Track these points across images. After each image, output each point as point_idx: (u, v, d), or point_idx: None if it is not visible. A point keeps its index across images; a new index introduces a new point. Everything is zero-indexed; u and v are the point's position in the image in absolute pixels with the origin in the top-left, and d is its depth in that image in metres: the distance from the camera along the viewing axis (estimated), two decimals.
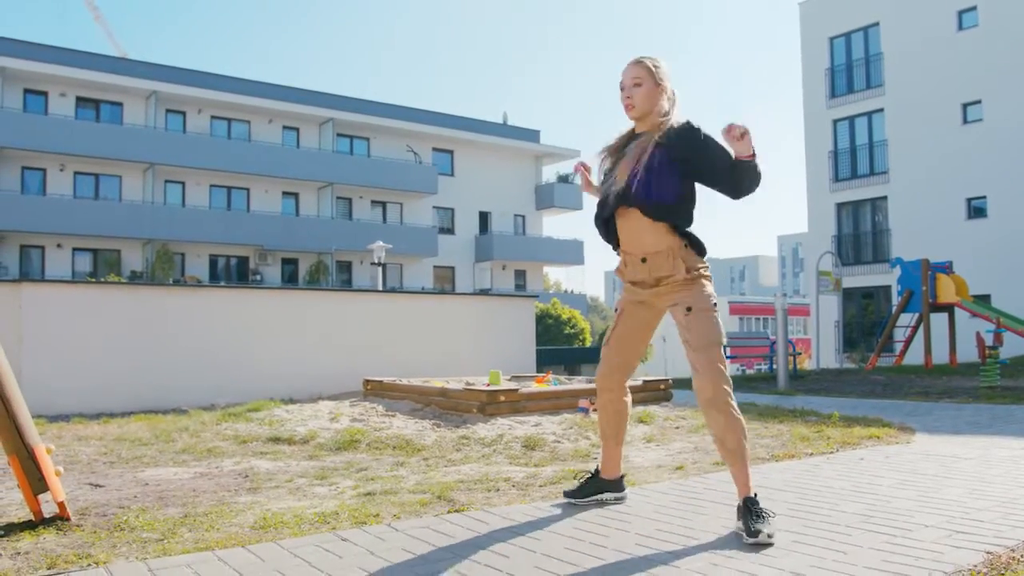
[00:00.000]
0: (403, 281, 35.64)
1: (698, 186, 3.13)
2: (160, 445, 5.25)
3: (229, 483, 4.01)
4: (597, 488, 3.40)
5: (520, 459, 4.71)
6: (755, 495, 2.88)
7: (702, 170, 3.05)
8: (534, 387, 7.08)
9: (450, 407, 6.49)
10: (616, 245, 3.24)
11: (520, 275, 39.95)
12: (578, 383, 7.79)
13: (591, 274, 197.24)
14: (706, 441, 5.36)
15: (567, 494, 3.44)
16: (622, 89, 3.14)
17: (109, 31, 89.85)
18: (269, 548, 2.72)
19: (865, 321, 26.09)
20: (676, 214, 3.05)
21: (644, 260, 3.10)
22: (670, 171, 3.02)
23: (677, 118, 3.12)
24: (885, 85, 25.71)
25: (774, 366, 12.56)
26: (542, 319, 31.60)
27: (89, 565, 2.54)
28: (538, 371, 9.69)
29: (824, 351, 24.05)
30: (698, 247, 3.09)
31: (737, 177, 2.99)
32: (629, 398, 3.42)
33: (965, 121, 23.74)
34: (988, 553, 2.54)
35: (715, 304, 3.04)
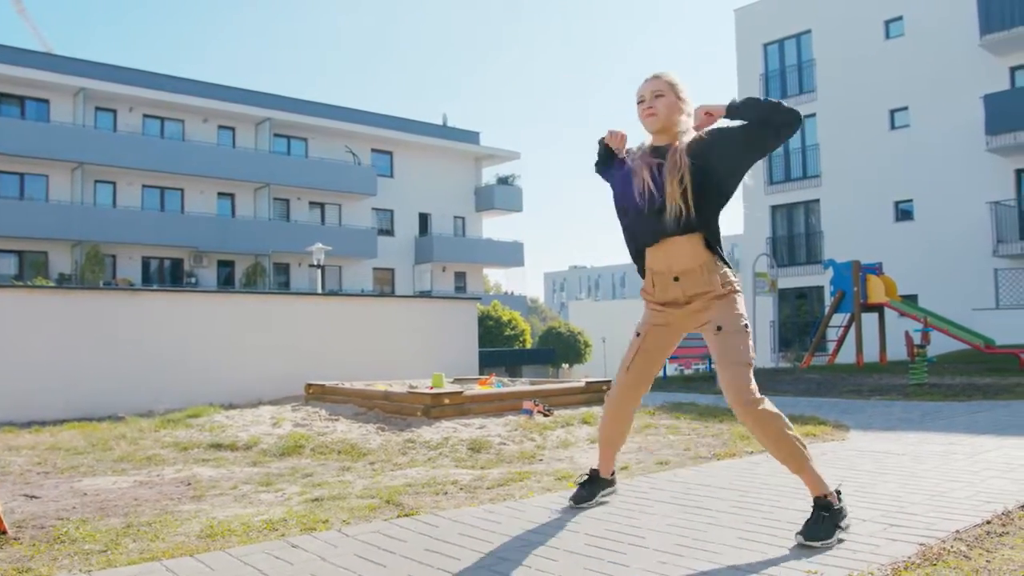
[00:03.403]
0: (342, 283, 35.28)
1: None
2: (97, 454, 5.12)
3: (171, 491, 3.94)
4: (602, 488, 3.47)
5: (466, 462, 4.72)
6: (826, 495, 2.80)
7: (738, 151, 3.00)
8: (478, 389, 7.10)
9: (394, 410, 6.47)
10: (642, 267, 3.17)
11: (460, 277, 39.91)
12: (521, 385, 7.83)
13: (531, 276, 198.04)
14: (650, 441, 5.44)
15: (576, 501, 3.38)
16: (640, 102, 3.09)
17: (34, 25, 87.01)
18: (218, 557, 2.69)
19: (799, 321, 26.73)
20: (710, 230, 3.01)
21: (677, 279, 3.03)
22: (707, 186, 2.97)
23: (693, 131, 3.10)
24: (817, 91, 26.39)
25: (712, 366, 12.79)
26: (483, 321, 31.63)
27: None
28: (481, 373, 9.70)
29: (760, 350, 24.48)
30: (726, 261, 3.05)
31: (755, 122, 2.94)
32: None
33: (892, 127, 24.50)
34: (921, 545, 2.65)
35: (746, 325, 2.96)
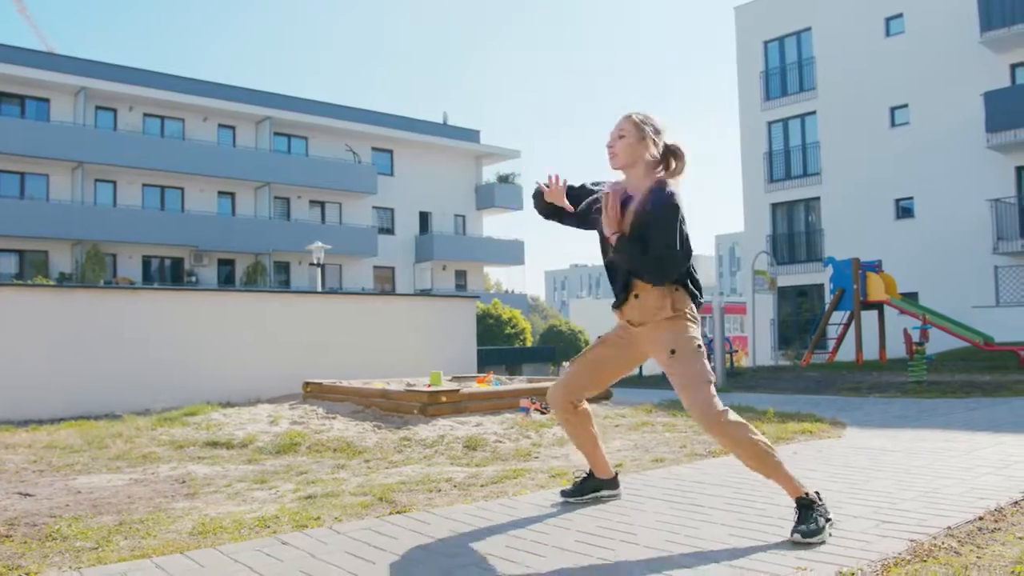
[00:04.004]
0: (343, 282, 35.27)
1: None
2: (93, 452, 5.12)
3: (166, 489, 3.94)
4: (594, 487, 3.46)
5: (461, 459, 4.72)
6: (805, 494, 2.84)
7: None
8: (475, 387, 7.10)
9: (391, 408, 6.47)
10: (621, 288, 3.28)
11: (461, 275, 39.90)
12: (519, 383, 7.83)
13: (531, 274, 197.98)
14: (645, 439, 5.44)
15: (564, 493, 3.47)
16: (609, 138, 3.23)
17: (34, 24, 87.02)
18: (208, 554, 2.69)
19: (800, 319, 26.71)
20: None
21: (637, 296, 3.16)
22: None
23: (677, 169, 3.20)
24: (817, 88, 26.37)
25: (712, 364, 12.78)
26: (483, 319, 31.62)
27: None
28: (479, 371, 9.70)
29: (760, 348, 24.58)
30: (692, 292, 3.14)
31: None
32: (585, 405, 3.42)
33: (893, 124, 24.48)
34: (912, 541, 2.65)
35: (699, 346, 3.05)
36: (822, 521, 2.75)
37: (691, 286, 3.14)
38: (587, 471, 3.51)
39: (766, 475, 2.95)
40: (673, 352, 3.03)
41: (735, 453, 2.96)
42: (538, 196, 3.36)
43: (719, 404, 2.92)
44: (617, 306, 3.27)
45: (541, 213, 3.41)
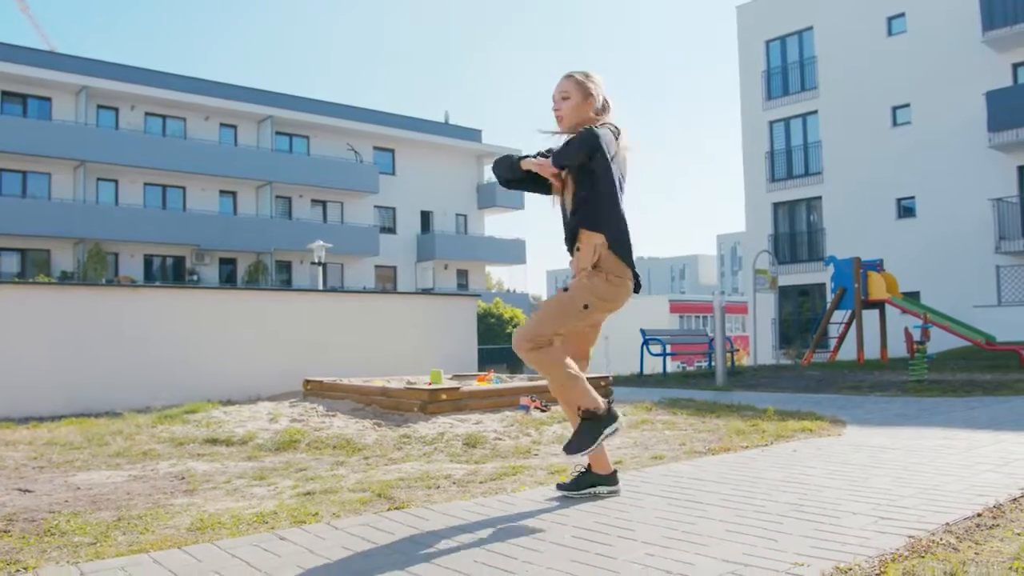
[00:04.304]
0: (344, 281, 35.30)
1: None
2: (93, 449, 5.13)
3: (165, 485, 3.94)
4: (591, 482, 3.45)
5: (461, 457, 4.72)
6: (593, 408, 3.18)
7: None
8: (476, 385, 7.10)
9: (391, 406, 6.47)
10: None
11: (462, 275, 39.92)
12: (519, 381, 7.83)
13: (533, 273, 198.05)
14: (646, 436, 5.44)
15: (560, 487, 3.50)
16: (553, 102, 3.29)
17: (36, 23, 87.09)
18: (206, 549, 2.69)
19: (801, 318, 26.70)
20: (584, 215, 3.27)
21: (578, 249, 3.31)
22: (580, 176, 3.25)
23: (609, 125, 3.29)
24: (819, 88, 26.36)
25: (713, 363, 12.78)
26: (484, 318, 31.63)
27: (17, 571, 2.48)
28: (480, 369, 9.70)
29: (761, 347, 24.57)
30: (621, 252, 3.22)
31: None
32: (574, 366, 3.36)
33: (895, 124, 24.47)
34: (910, 537, 2.64)
35: (586, 306, 3.20)
36: (593, 435, 3.12)
37: (620, 251, 3.21)
38: (586, 465, 3.51)
39: (572, 401, 3.21)
40: (565, 290, 3.24)
41: (543, 375, 3.23)
42: (502, 163, 3.42)
43: (543, 340, 3.14)
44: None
45: (505, 180, 3.47)
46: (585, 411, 3.18)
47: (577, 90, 3.24)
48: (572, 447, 3.18)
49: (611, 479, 3.49)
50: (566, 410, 3.33)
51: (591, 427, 3.18)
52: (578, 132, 3.21)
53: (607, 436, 3.21)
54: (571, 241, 3.34)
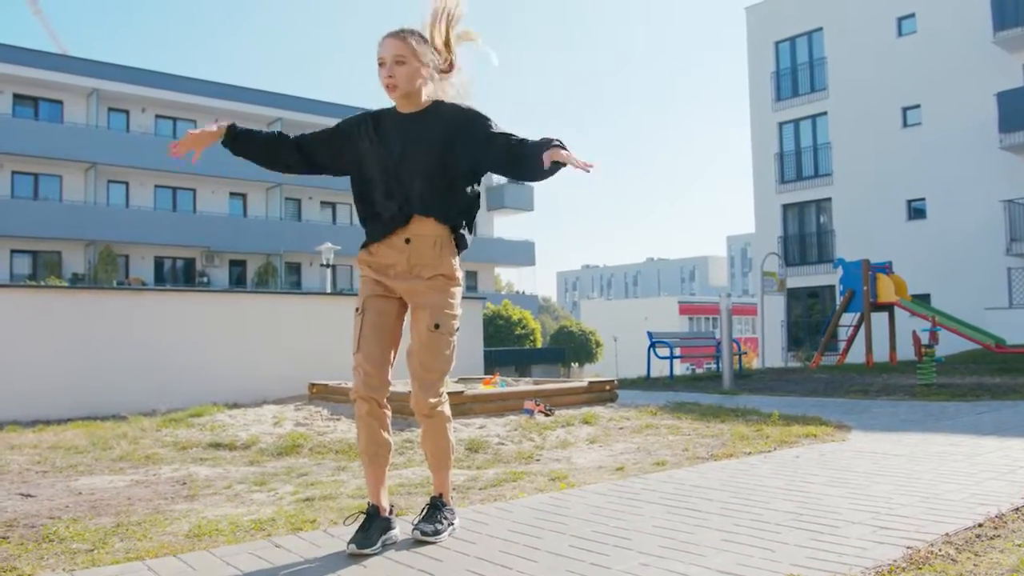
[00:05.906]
0: (353, 283, 35.36)
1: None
2: (97, 453, 5.15)
3: (166, 491, 3.95)
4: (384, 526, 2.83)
5: (463, 462, 4.71)
6: (442, 496, 2.97)
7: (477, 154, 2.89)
8: (481, 389, 7.09)
9: (395, 410, 6.43)
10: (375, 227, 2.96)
11: (471, 276, 39.94)
12: (525, 385, 7.82)
13: (543, 275, 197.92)
14: (649, 442, 5.42)
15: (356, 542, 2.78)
16: (381, 66, 2.84)
17: (49, 27, 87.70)
18: (201, 556, 2.69)
19: (810, 320, 26.60)
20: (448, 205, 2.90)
21: (408, 241, 2.85)
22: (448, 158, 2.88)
23: (441, 96, 2.98)
24: (829, 89, 26.26)
25: (721, 366, 12.74)
26: (493, 320, 31.63)
27: None
28: (487, 373, 9.69)
29: (770, 350, 24.48)
30: (461, 244, 2.93)
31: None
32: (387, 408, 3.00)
33: (905, 124, 24.35)
34: (908, 548, 2.62)
35: (458, 328, 2.90)
36: (446, 522, 2.89)
37: (464, 239, 2.93)
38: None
39: (436, 468, 2.99)
40: (437, 327, 2.82)
41: (431, 437, 2.95)
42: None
43: (438, 398, 2.88)
44: (375, 239, 2.91)
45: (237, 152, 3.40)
46: (436, 497, 2.95)
47: (414, 55, 2.84)
48: (426, 532, 2.82)
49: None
50: (432, 463, 3.01)
51: (439, 514, 2.90)
52: (478, 113, 2.92)
53: (453, 528, 2.93)
54: (399, 220, 2.88)
